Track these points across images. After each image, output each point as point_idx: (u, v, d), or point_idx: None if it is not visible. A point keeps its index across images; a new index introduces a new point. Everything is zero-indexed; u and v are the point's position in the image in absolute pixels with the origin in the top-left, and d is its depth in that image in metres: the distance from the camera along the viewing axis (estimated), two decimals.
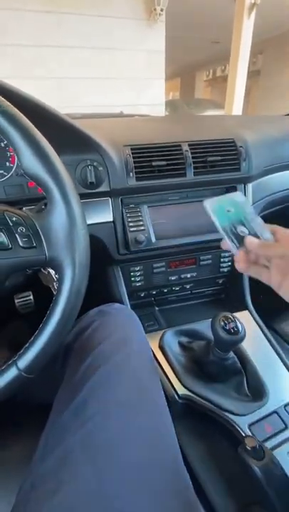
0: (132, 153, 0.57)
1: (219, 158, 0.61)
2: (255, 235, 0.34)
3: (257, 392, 0.50)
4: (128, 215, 0.59)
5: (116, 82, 3.00)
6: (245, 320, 0.64)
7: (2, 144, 0.49)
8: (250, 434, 0.44)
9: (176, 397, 0.50)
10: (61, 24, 2.60)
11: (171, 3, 2.80)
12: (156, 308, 0.74)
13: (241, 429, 0.45)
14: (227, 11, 3.68)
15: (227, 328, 0.45)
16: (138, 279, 0.66)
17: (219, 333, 0.45)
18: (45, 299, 0.39)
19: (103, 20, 2.72)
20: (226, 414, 0.47)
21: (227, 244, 0.35)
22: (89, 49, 2.77)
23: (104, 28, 2.75)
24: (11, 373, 0.30)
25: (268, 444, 0.44)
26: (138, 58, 2.99)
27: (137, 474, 0.29)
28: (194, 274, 0.70)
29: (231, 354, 0.51)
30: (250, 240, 0.33)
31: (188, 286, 0.73)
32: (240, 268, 0.35)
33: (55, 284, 0.47)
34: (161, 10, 2.77)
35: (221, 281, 0.75)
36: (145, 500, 0.28)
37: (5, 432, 0.45)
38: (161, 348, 0.58)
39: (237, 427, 0.45)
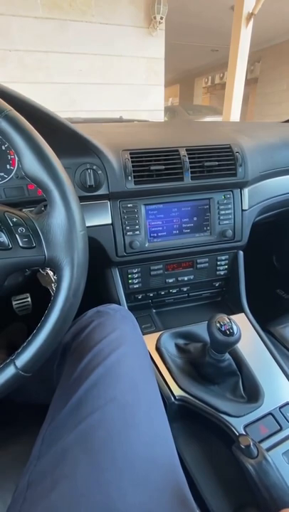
0: (131, 158, 0.58)
1: (216, 163, 0.62)
2: None
3: (252, 393, 0.51)
4: (125, 216, 0.60)
5: (116, 88, 3.04)
6: (241, 322, 0.65)
7: (3, 147, 0.50)
8: (244, 433, 0.45)
9: (172, 398, 0.50)
10: (64, 31, 2.64)
11: (171, 12, 2.86)
12: (154, 311, 0.75)
13: (236, 430, 0.45)
14: (226, 20, 3.75)
15: (223, 329, 0.46)
16: (135, 281, 0.67)
17: (215, 334, 0.46)
18: (43, 301, 0.40)
19: (105, 28, 2.77)
20: (222, 415, 0.47)
21: None
22: (90, 55, 2.81)
23: (106, 35, 2.80)
24: (9, 372, 0.30)
25: (263, 445, 0.44)
26: (138, 65, 3.04)
27: (133, 471, 0.30)
28: (191, 277, 0.71)
29: (227, 356, 0.52)
30: None
31: (185, 289, 0.73)
32: None
33: (53, 285, 0.47)
34: (161, 18, 2.81)
35: (217, 284, 0.76)
36: (141, 496, 0.28)
37: (2, 432, 0.45)
38: (158, 349, 0.58)
39: (232, 428, 0.45)
